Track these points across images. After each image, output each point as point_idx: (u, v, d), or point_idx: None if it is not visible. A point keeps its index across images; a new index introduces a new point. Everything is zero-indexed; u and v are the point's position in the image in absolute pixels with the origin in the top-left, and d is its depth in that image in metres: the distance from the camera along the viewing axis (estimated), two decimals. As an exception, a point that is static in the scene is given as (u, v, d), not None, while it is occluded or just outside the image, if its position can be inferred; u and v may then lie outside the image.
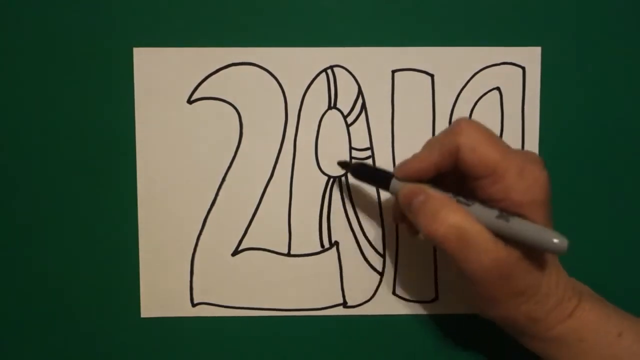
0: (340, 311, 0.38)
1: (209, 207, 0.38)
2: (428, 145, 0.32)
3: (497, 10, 0.37)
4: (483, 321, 0.38)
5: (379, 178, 0.34)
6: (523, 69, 0.37)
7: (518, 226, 0.28)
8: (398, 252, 0.38)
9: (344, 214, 0.38)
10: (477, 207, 0.29)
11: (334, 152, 0.38)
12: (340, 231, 0.38)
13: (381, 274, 0.38)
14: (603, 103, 0.38)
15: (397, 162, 0.38)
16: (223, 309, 0.38)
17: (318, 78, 0.37)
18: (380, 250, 0.38)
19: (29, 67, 0.37)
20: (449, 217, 0.29)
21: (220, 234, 0.38)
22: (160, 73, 0.37)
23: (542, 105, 0.38)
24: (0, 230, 0.37)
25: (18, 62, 0.37)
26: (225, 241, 0.38)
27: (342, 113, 0.38)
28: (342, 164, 0.36)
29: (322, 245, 0.38)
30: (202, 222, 0.38)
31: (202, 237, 0.38)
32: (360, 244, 0.38)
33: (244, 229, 0.38)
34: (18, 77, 0.37)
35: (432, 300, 0.38)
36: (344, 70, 0.37)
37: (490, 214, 0.29)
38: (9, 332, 0.38)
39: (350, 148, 0.38)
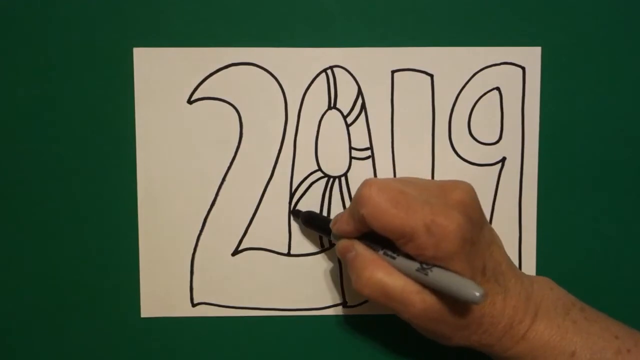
0: (340, 311, 0.38)
1: (209, 207, 0.38)
2: (349, 208, 0.33)
3: (497, 10, 0.37)
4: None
5: (323, 227, 0.36)
6: (523, 69, 0.37)
7: (436, 278, 0.29)
8: (398, 252, 0.38)
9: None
10: (401, 261, 0.31)
11: (334, 152, 0.38)
12: (340, 231, 0.38)
13: (381, 274, 0.38)
14: (603, 103, 0.38)
15: (397, 163, 0.38)
16: (223, 309, 0.38)
17: (318, 78, 0.37)
18: (380, 250, 0.38)
19: (29, 67, 0.37)
20: (372, 276, 0.31)
21: (220, 234, 0.38)
22: (160, 73, 0.37)
23: (542, 105, 0.38)
24: (0, 230, 0.37)
25: (18, 62, 0.37)
26: (225, 241, 0.38)
27: (342, 113, 0.38)
28: (293, 213, 0.38)
29: (322, 245, 0.38)
30: (202, 222, 0.38)
31: (202, 237, 0.38)
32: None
33: (244, 229, 0.38)
34: (18, 77, 0.37)
35: (432, 300, 0.38)
36: (344, 71, 0.37)
37: (412, 267, 0.30)
38: (9, 332, 0.38)
39: (350, 148, 0.38)
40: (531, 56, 0.37)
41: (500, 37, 0.37)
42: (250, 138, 0.37)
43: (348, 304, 0.38)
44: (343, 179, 0.38)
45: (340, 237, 0.33)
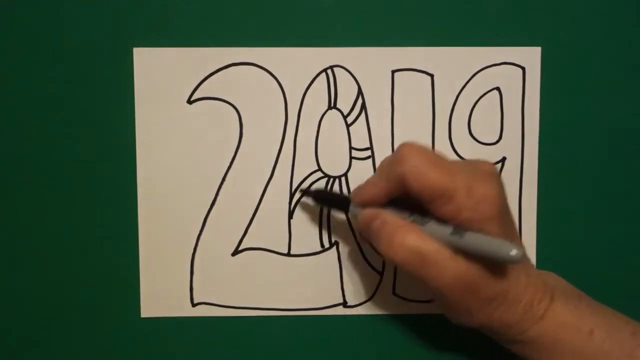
0: (340, 311, 0.38)
1: (209, 207, 0.38)
2: (379, 171, 0.32)
3: (497, 10, 0.37)
4: (483, 321, 0.38)
5: (338, 203, 0.35)
6: (523, 69, 0.37)
7: (471, 240, 0.29)
8: (398, 252, 0.38)
9: (344, 214, 0.38)
10: (432, 225, 0.30)
11: (334, 152, 0.38)
12: (340, 231, 0.38)
13: (381, 274, 0.38)
14: (603, 103, 0.38)
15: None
16: (223, 309, 0.38)
17: (318, 78, 0.37)
18: (380, 250, 0.38)
19: (29, 67, 0.37)
20: (405, 240, 0.29)
21: (220, 234, 0.38)
22: (160, 73, 0.37)
23: (542, 105, 0.38)
24: (0, 230, 0.37)
25: (18, 62, 0.37)
26: (225, 241, 0.38)
27: (342, 113, 0.38)
28: (303, 191, 0.37)
29: (322, 245, 0.38)
30: (202, 222, 0.38)
31: (202, 237, 0.38)
32: (360, 244, 0.38)
33: (244, 229, 0.38)
34: (18, 77, 0.37)
35: (432, 300, 0.38)
36: (344, 70, 0.37)
37: (445, 231, 0.29)
38: (9, 332, 0.38)
39: (350, 148, 0.38)
40: (531, 56, 0.37)
41: (500, 37, 0.37)
42: (250, 138, 0.37)
43: (348, 304, 0.38)
44: (343, 179, 0.38)
45: (364, 205, 0.32)
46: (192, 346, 0.38)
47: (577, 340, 0.31)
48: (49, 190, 0.37)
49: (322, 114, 0.38)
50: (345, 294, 0.38)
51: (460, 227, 0.29)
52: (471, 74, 0.37)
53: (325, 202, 0.36)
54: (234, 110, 0.37)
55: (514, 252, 0.27)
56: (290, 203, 0.38)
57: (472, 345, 0.38)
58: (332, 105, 0.38)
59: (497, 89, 0.38)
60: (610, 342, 0.31)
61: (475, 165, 0.31)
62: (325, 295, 0.38)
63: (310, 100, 0.37)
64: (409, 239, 0.29)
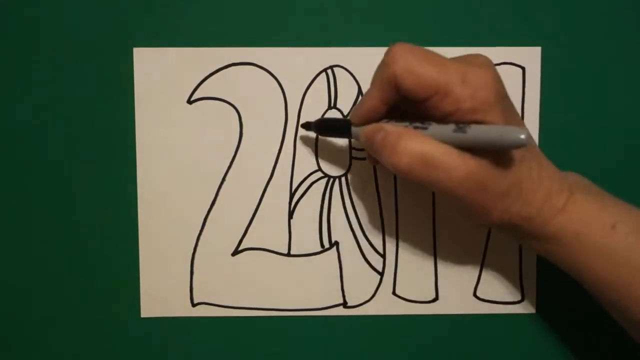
0: (340, 311, 0.38)
1: (209, 207, 0.38)
2: (372, 81, 0.31)
3: (497, 10, 0.37)
4: (483, 321, 0.38)
5: (341, 128, 0.34)
6: (523, 69, 0.37)
7: (475, 133, 0.28)
8: (398, 252, 0.38)
9: (344, 214, 0.38)
10: (434, 128, 0.29)
11: (334, 152, 0.38)
12: (340, 231, 0.38)
13: (381, 274, 0.38)
14: (603, 103, 0.38)
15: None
16: (223, 309, 0.38)
17: (318, 78, 0.37)
18: (380, 250, 0.38)
19: (29, 67, 0.37)
20: (408, 146, 0.29)
21: (220, 234, 0.38)
22: (160, 73, 0.37)
23: (542, 105, 0.38)
24: (1, 230, 0.37)
25: (18, 62, 0.37)
26: (225, 241, 0.38)
27: (342, 113, 0.38)
28: (304, 126, 0.36)
29: (322, 245, 0.38)
30: (202, 222, 0.38)
31: (202, 237, 0.38)
32: (360, 244, 0.38)
33: (244, 229, 0.38)
34: (18, 77, 0.37)
35: (432, 300, 0.38)
36: (344, 70, 0.37)
37: (448, 130, 0.29)
38: (9, 332, 0.38)
39: (350, 148, 0.38)
40: (531, 56, 0.37)
41: (500, 37, 0.37)
42: (250, 138, 0.37)
43: (348, 304, 0.38)
44: (343, 179, 0.38)
45: (364, 122, 0.32)
46: (192, 346, 0.38)
47: (600, 234, 0.30)
48: (49, 190, 0.37)
49: (322, 114, 0.38)
50: (345, 294, 0.38)
51: (462, 123, 0.29)
52: (471, 74, 0.37)
53: (328, 131, 0.36)
54: (234, 110, 0.37)
55: (520, 135, 0.26)
56: (290, 203, 0.38)
57: (472, 345, 0.38)
58: (332, 105, 0.38)
59: (497, 89, 0.38)
60: (633, 236, 0.30)
61: (466, 58, 0.31)
62: (325, 295, 0.38)
63: (310, 100, 0.37)
64: (412, 144, 0.29)
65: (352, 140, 0.38)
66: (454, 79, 0.28)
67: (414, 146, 0.29)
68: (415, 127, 0.30)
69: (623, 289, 0.30)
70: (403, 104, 0.31)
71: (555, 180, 0.31)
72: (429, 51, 0.30)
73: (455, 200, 0.30)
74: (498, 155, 0.29)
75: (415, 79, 0.29)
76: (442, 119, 0.29)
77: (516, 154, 0.30)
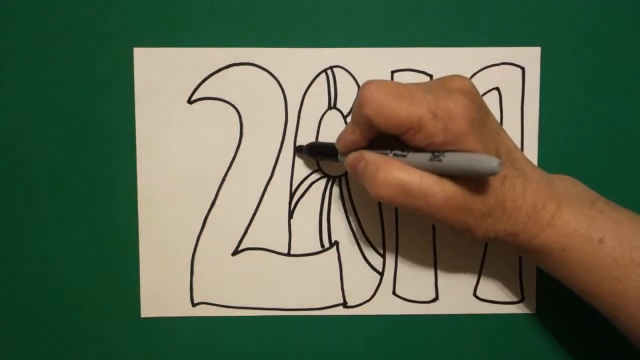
0: (340, 311, 0.38)
1: (209, 207, 0.38)
2: (351, 120, 0.32)
3: (497, 10, 0.37)
4: (483, 321, 0.38)
5: (328, 153, 0.35)
6: (523, 69, 0.37)
7: (450, 161, 0.29)
8: (398, 252, 0.38)
9: (344, 214, 0.38)
10: (412, 156, 0.30)
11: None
12: (340, 231, 0.38)
13: (381, 274, 0.38)
14: (603, 103, 0.38)
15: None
16: (223, 309, 0.38)
17: (318, 78, 0.37)
18: (380, 250, 0.38)
19: (29, 67, 0.37)
20: (387, 175, 0.30)
21: (220, 234, 0.38)
22: (160, 73, 0.37)
23: (542, 106, 0.38)
24: (0, 230, 0.37)
25: (18, 62, 0.37)
26: (225, 241, 0.38)
27: (342, 113, 0.38)
28: (297, 149, 0.37)
29: (322, 245, 0.38)
30: (202, 222, 0.38)
31: (202, 237, 0.38)
32: (360, 244, 0.38)
33: (244, 229, 0.38)
34: (18, 77, 0.37)
35: (432, 300, 0.38)
36: (344, 71, 0.37)
37: (425, 158, 0.29)
38: (9, 332, 0.38)
39: (350, 148, 0.38)
40: (531, 56, 0.37)
41: (500, 37, 0.37)
42: (250, 138, 0.37)
43: (348, 304, 0.38)
44: (343, 178, 0.38)
45: (348, 151, 0.33)
46: (192, 346, 0.38)
47: (587, 249, 0.30)
48: (49, 191, 0.37)
49: (322, 114, 0.38)
50: (345, 294, 0.38)
51: (437, 152, 0.29)
52: (471, 74, 0.37)
53: (318, 154, 0.37)
54: (234, 110, 0.37)
55: (492, 164, 0.27)
56: (290, 203, 0.38)
57: (472, 345, 0.38)
58: (332, 105, 0.38)
59: (497, 89, 0.38)
60: (620, 250, 0.30)
61: (442, 83, 0.31)
62: (325, 295, 0.38)
63: (310, 100, 0.37)
64: (391, 173, 0.30)
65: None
66: (424, 115, 0.29)
67: (394, 175, 0.30)
68: (395, 155, 0.31)
69: (611, 300, 0.31)
70: (383, 134, 0.31)
71: (541, 194, 0.31)
72: (400, 86, 0.30)
73: (439, 223, 0.31)
74: (477, 179, 0.29)
75: (387, 120, 0.29)
76: (419, 149, 0.30)
77: (496, 176, 0.30)
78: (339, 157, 0.34)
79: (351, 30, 0.37)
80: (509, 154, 0.31)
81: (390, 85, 0.30)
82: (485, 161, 0.27)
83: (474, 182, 0.29)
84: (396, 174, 0.30)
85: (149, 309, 0.38)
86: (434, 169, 0.29)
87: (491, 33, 0.37)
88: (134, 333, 0.38)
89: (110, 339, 0.38)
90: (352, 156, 0.32)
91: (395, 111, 0.29)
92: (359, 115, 0.30)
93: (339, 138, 0.33)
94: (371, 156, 0.31)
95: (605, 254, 0.30)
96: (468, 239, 0.32)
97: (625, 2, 0.37)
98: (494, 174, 0.27)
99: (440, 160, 0.29)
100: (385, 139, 0.31)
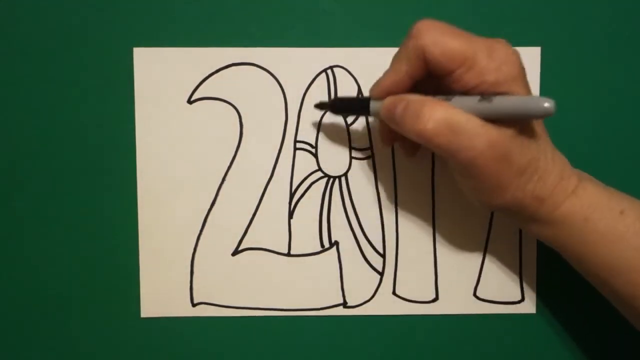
0: (340, 311, 0.38)
1: (209, 207, 0.38)
2: (395, 59, 0.32)
3: (497, 10, 0.37)
4: (483, 321, 0.38)
5: (358, 106, 0.34)
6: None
7: (502, 102, 0.28)
8: (398, 252, 0.38)
9: (344, 214, 0.38)
10: (457, 99, 0.30)
11: (334, 152, 0.38)
12: (340, 231, 0.38)
13: (381, 274, 0.38)
14: (603, 103, 0.38)
15: (397, 163, 0.38)
16: (223, 309, 0.38)
17: (318, 78, 0.37)
18: (380, 250, 0.38)
19: (29, 67, 0.37)
20: (433, 112, 0.29)
21: (220, 234, 0.38)
22: (160, 73, 0.37)
23: (542, 105, 0.38)
24: (0, 230, 0.37)
25: (18, 62, 0.37)
26: (225, 241, 0.38)
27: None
28: (320, 105, 0.36)
29: (322, 245, 0.38)
30: (202, 222, 0.38)
31: (202, 237, 0.38)
32: (360, 244, 0.38)
33: (244, 229, 0.38)
34: (18, 77, 0.37)
35: (432, 301, 0.38)
36: (344, 71, 0.37)
37: (473, 101, 0.29)
38: (9, 332, 0.38)
39: (350, 148, 0.38)
40: (531, 56, 0.37)
41: (500, 37, 0.37)
42: (250, 138, 0.37)
43: (348, 304, 0.38)
44: (343, 179, 0.38)
45: (386, 95, 0.32)
46: (192, 346, 0.38)
47: (608, 219, 0.30)
48: (48, 190, 0.37)
49: (322, 114, 0.38)
50: (345, 293, 0.38)
51: (486, 94, 0.29)
52: (471, 74, 0.37)
53: (344, 110, 0.36)
54: (234, 110, 0.37)
55: (545, 103, 0.27)
56: (290, 203, 0.38)
57: (472, 345, 0.38)
58: (332, 105, 0.38)
59: (497, 89, 0.38)
60: None
61: (490, 38, 0.31)
62: (325, 295, 0.38)
63: (310, 101, 0.37)
64: (437, 111, 0.29)
65: (352, 139, 0.38)
66: (480, 51, 0.29)
67: (440, 113, 0.29)
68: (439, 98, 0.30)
69: (629, 274, 0.30)
70: (423, 85, 0.31)
71: (566, 165, 0.31)
72: (453, 26, 0.30)
73: (474, 173, 0.30)
74: (520, 128, 0.29)
75: (443, 50, 0.29)
76: (464, 93, 0.30)
77: (536, 128, 0.30)
78: (372, 106, 0.33)
79: (351, 30, 0.37)
80: (540, 122, 0.31)
81: (444, 23, 0.30)
82: (539, 101, 0.27)
83: (517, 131, 0.29)
84: (443, 112, 0.29)
85: (149, 309, 0.38)
86: (480, 112, 0.29)
87: (491, 33, 0.37)
88: (134, 333, 0.38)
89: (110, 339, 0.38)
90: (391, 98, 0.31)
91: (452, 43, 0.29)
92: (411, 47, 0.30)
93: (376, 84, 0.32)
94: (413, 96, 0.30)
95: (626, 225, 0.30)
96: (494, 200, 0.31)
97: (625, 2, 0.37)
98: (549, 113, 0.27)
99: (490, 101, 0.28)
100: (427, 85, 0.31)
